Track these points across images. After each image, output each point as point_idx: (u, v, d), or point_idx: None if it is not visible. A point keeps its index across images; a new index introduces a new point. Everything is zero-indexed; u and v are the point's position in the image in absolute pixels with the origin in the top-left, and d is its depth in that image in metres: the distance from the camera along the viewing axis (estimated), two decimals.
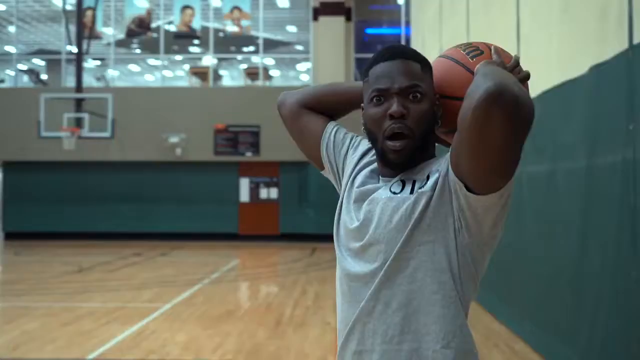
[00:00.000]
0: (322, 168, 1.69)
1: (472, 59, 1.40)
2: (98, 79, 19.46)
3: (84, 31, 14.80)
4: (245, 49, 19.87)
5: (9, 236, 16.93)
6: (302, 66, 20.36)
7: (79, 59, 14.24)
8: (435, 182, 1.34)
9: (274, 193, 17.35)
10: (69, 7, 16.43)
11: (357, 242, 1.42)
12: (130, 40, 19.27)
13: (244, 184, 17.33)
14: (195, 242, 16.07)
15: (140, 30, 17.57)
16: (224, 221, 16.83)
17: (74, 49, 14.85)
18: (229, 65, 21.30)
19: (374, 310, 1.37)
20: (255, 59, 19.36)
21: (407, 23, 17.45)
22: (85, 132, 13.91)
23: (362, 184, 1.49)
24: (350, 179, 1.53)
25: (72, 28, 15.17)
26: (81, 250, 14.72)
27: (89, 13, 15.73)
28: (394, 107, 1.37)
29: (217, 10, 18.22)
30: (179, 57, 20.56)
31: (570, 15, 4.97)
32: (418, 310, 1.33)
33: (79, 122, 13.99)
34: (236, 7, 17.25)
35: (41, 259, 13.19)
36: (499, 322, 6.86)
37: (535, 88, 5.11)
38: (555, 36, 5.29)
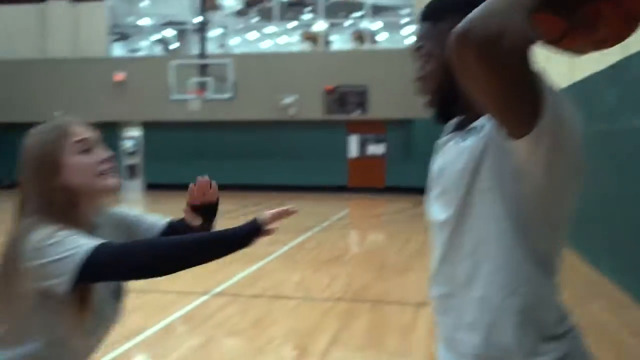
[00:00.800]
0: None
1: None
2: (221, 46, 19.93)
3: (206, 3, 15.15)
4: (353, 15, 19.65)
5: (150, 187, 17.95)
6: (406, 30, 19.89)
7: (202, 28, 14.63)
8: (490, 128, 1.20)
9: (380, 149, 17.25)
10: None
11: (435, 190, 1.35)
12: (248, 10, 19.54)
13: (353, 141, 17.33)
14: (308, 193, 16.32)
15: (257, 0, 17.75)
16: (334, 175, 16.99)
17: (198, 20, 15.26)
18: (339, 29, 21.15)
19: (449, 255, 1.28)
20: (363, 24, 19.09)
21: None
22: (210, 94, 14.36)
23: (447, 132, 1.40)
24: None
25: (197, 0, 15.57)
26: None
27: None
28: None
29: None
30: (291, 24, 20.62)
31: None
32: (483, 258, 1.22)
33: (203, 86, 14.46)
34: None
35: (175, 206, 13.86)
36: (598, 271, 6.50)
37: None
38: None
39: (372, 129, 17.15)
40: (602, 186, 6.62)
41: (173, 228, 1.73)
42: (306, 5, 18.61)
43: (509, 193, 1.19)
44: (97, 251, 1.35)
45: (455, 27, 1.02)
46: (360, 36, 18.83)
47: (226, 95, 14.45)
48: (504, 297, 1.21)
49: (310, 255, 7.58)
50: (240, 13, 19.61)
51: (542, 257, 1.22)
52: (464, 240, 1.25)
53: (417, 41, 1.36)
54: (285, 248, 7.95)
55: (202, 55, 14.42)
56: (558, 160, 1.13)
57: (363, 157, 17.33)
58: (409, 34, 19.80)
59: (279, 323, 4.76)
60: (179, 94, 14.40)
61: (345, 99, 16.76)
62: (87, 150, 1.50)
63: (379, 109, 16.58)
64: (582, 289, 5.93)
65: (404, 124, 16.65)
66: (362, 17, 19.04)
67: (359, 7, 18.85)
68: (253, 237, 1.41)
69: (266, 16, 19.71)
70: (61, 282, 1.34)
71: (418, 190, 15.98)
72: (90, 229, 1.51)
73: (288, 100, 16.63)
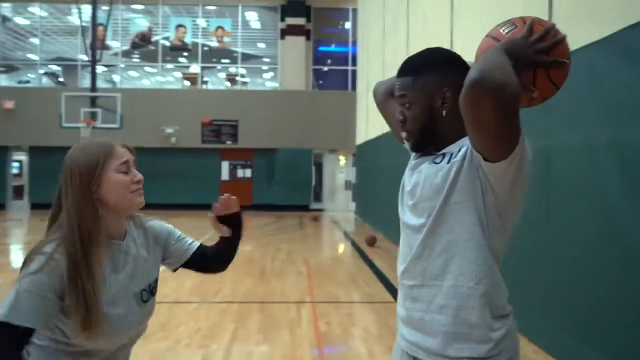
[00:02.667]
0: (403, 143, 1.63)
1: (507, 34, 1.28)
2: (107, 81, 18.70)
3: (97, 43, 14.16)
4: (224, 60, 19.42)
5: (34, 206, 16.21)
6: (267, 75, 20.12)
7: (93, 64, 13.64)
8: (465, 153, 1.30)
9: (248, 173, 17.14)
10: (84, 24, 15.69)
11: (410, 200, 1.40)
12: (132, 51, 18.55)
13: (225, 166, 17.05)
14: (187, 210, 15.70)
15: (142, 43, 16.94)
16: (209, 194, 16.41)
17: (85, 57, 14.20)
18: (211, 73, 20.81)
19: (422, 254, 1.35)
20: (233, 69, 18.96)
21: (354, 43, 17.38)
22: (99, 123, 13.38)
23: (419, 156, 1.46)
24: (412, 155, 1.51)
25: (87, 40, 14.49)
26: None
27: (100, 28, 15.06)
28: (396, 114, 1.43)
29: (204, 29, 17.73)
30: (170, 66, 19.87)
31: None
32: (455, 255, 1.30)
33: (93, 116, 13.45)
34: (220, 27, 16.84)
35: None
36: None
37: None
38: None
39: (241, 156, 17.01)
40: None
41: (203, 250, 1.64)
42: (185, 50, 18.06)
43: (479, 205, 1.28)
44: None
45: (470, 75, 1.11)
46: (232, 78, 18.67)
47: (114, 125, 13.55)
48: (472, 285, 1.29)
49: None
50: (125, 54, 18.53)
51: (497, 254, 1.32)
52: (438, 241, 1.32)
53: (400, 91, 1.39)
54: None
55: (93, 88, 13.41)
56: (520, 178, 1.25)
57: (233, 180, 17.10)
58: (269, 78, 20.05)
59: (182, 325, 4.49)
60: (69, 122, 13.25)
61: (219, 130, 16.49)
62: (126, 171, 1.40)
63: (247, 139, 16.51)
64: None
65: (268, 152, 16.71)
66: (231, 63, 18.89)
67: (229, 54, 18.71)
68: None
69: (148, 57, 18.85)
70: None
71: (279, 207, 16.30)
72: (120, 238, 1.43)
73: (170, 130, 15.99)
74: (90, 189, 1.34)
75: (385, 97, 1.65)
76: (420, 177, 1.37)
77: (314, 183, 17.37)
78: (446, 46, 6.36)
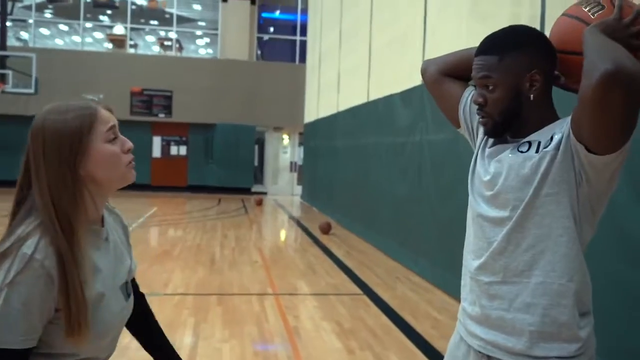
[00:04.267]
0: (458, 126, 1.64)
1: (594, 16, 1.30)
2: (17, 39, 17.54)
3: None
4: (152, 22, 18.71)
5: None
6: (201, 41, 19.62)
7: (3, 19, 12.73)
8: (559, 142, 1.30)
9: (183, 150, 16.71)
10: None
11: (488, 191, 1.40)
12: (46, 5, 17.48)
13: (157, 142, 16.53)
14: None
15: None
16: (138, 173, 15.81)
17: None
18: (137, 35, 20.00)
19: (506, 250, 1.35)
20: (164, 32, 18.31)
21: (303, 11, 17.21)
22: (9, 87, 12.56)
23: (494, 143, 1.45)
24: (485, 138, 1.50)
25: None
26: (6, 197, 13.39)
27: None
28: (474, 96, 1.45)
29: None
30: (89, 25, 18.90)
31: (481, 8, 5.05)
32: (545, 250, 1.31)
33: (2, 78, 12.60)
34: None
35: None
36: (394, 259, 7.07)
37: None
38: (465, 30, 5.33)
39: (175, 131, 16.54)
40: (396, 188, 7.22)
41: (138, 295, 1.55)
42: (110, 8, 17.22)
43: (572, 197, 1.30)
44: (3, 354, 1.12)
45: (602, 68, 1.13)
46: (162, 43, 18.03)
47: (28, 90, 12.75)
48: (563, 283, 1.31)
49: (138, 250, 7.02)
50: (39, 7, 17.43)
51: (585, 246, 1.35)
52: (525, 235, 1.33)
53: (481, 71, 1.38)
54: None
55: (3, 46, 12.54)
56: (619, 168, 1.29)
57: (166, 157, 16.62)
58: (203, 45, 19.56)
59: None
60: None
61: (151, 101, 15.92)
62: (114, 139, 1.23)
63: (183, 112, 16.06)
64: (385, 274, 6.41)
65: (206, 128, 16.35)
66: (161, 25, 18.23)
67: (159, 15, 18.03)
68: None
69: (64, 13, 17.81)
70: None
71: (217, 189, 16.03)
72: (98, 222, 1.28)
73: (92, 97, 15.24)
74: (71, 163, 1.18)
75: (438, 77, 1.63)
76: (502, 166, 1.37)
77: (255, 164, 17.21)
78: (419, 17, 6.42)
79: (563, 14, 1.40)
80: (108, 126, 1.23)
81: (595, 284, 1.39)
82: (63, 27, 18.89)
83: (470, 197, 1.47)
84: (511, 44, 1.36)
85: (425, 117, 6.22)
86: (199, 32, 19.48)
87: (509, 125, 1.39)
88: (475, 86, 1.44)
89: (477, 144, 1.52)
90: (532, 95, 1.35)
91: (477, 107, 1.42)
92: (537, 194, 1.31)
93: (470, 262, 1.44)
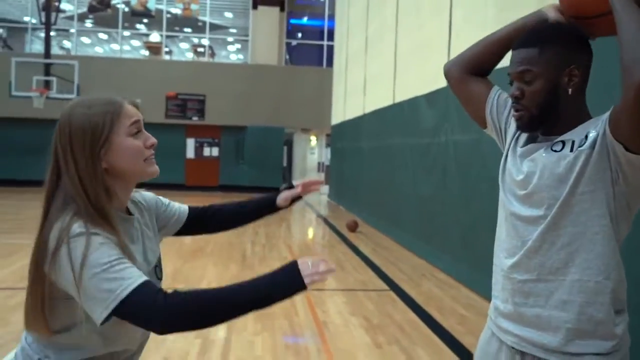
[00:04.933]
0: (485, 127, 1.60)
1: None
2: (61, 48, 17.95)
3: (49, 4, 13.52)
4: (186, 30, 18.94)
5: None
6: (232, 47, 19.78)
7: (47, 28, 13.04)
8: (594, 141, 1.26)
9: (215, 151, 16.88)
10: None
11: (522, 190, 1.36)
12: (87, 15, 17.85)
13: (190, 144, 16.73)
14: (150, 190, 15.35)
15: (100, 7, 16.30)
16: (174, 174, 16.21)
17: (33, 19, 13.56)
18: (172, 42, 20.28)
19: (541, 248, 1.32)
20: (197, 39, 18.52)
21: (330, 17, 17.22)
22: (53, 93, 12.85)
23: (526, 142, 1.42)
24: (515, 137, 1.47)
25: (40, 0, 13.82)
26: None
27: None
28: (511, 90, 1.38)
29: None
30: (127, 33, 19.23)
31: (505, 15, 4.97)
32: (581, 248, 1.28)
33: (47, 85, 12.90)
34: None
35: (16, 201, 12.20)
36: (419, 257, 7.02)
37: None
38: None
39: (208, 133, 16.72)
40: (421, 188, 7.17)
41: (195, 213, 1.58)
42: (147, 17, 17.49)
43: (608, 195, 1.26)
44: (141, 289, 1.10)
45: (634, 71, 1.10)
46: (196, 49, 18.25)
47: (71, 95, 13.01)
48: (600, 281, 1.27)
49: (175, 248, 7.13)
50: (80, 17, 17.81)
51: (620, 245, 1.31)
52: (561, 233, 1.29)
53: (521, 64, 1.34)
54: None
55: (47, 54, 12.84)
56: None
57: (199, 158, 16.81)
58: (234, 51, 19.72)
59: None
60: (20, 91, 12.66)
61: (185, 105, 16.12)
62: (137, 134, 1.24)
63: (215, 115, 16.22)
64: (410, 271, 6.36)
65: (237, 130, 16.49)
66: (194, 32, 18.44)
67: (193, 23, 18.25)
68: (297, 293, 1.17)
69: (104, 22, 18.17)
70: (97, 315, 1.10)
71: (247, 189, 16.14)
72: (125, 214, 1.29)
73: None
74: (95, 155, 1.18)
75: (463, 77, 1.58)
76: (536, 165, 1.33)
77: (284, 164, 17.28)
78: (445, 23, 6.35)
79: None
80: (132, 120, 1.23)
81: (629, 281, 1.35)
82: (103, 36, 19.26)
83: (501, 196, 1.43)
84: (551, 37, 1.33)
85: (450, 118, 6.15)
86: (230, 39, 19.67)
87: (545, 119, 1.35)
88: (511, 82, 1.39)
89: (508, 142, 1.48)
90: (570, 90, 1.32)
91: (512, 100, 1.37)
92: (573, 192, 1.27)
93: (503, 260, 1.40)
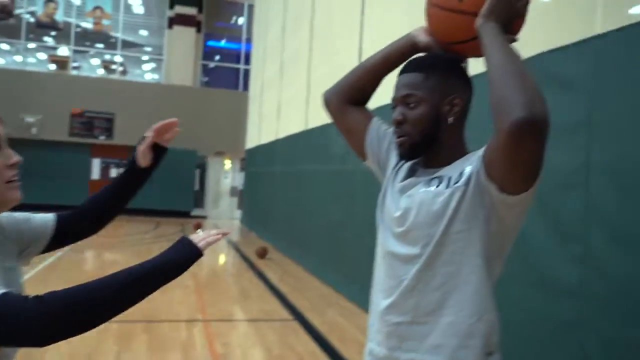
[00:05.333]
0: (365, 159, 1.53)
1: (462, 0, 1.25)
2: None
3: None
4: (98, 45, 18.18)
5: None
6: (147, 66, 19.21)
7: None
8: (469, 178, 1.22)
9: None
10: None
11: (399, 228, 1.30)
12: None
13: (96, 164, 15.90)
14: (50, 211, 14.37)
15: (1, 15, 15.27)
16: (75, 195, 15.25)
17: None
18: (82, 57, 19.38)
19: (415, 289, 1.26)
20: (109, 55, 17.81)
21: (248, 40, 17.19)
22: None
23: (405, 177, 1.36)
24: (395, 170, 1.41)
25: None
26: None
27: None
28: (393, 115, 1.34)
29: (79, 8, 16.45)
30: (32, 45, 18.15)
31: None
32: (454, 289, 1.23)
33: None
34: (98, 7, 15.72)
35: None
36: (327, 285, 6.96)
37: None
38: None
39: (115, 154, 15.97)
40: (330, 213, 7.16)
41: (63, 220, 1.37)
42: (54, 29, 16.59)
43: (482, 233, 1.21)
44: (2, 298, 0.93)
45: (515, 113, 1.04)
46: (108, 66, 17.52)
47: None
48: (473, 323, 1.22)
49: (66, 277, 6.62)
50: None
51: (494, 285, 1.27)
52: (435, 273, 1.23)
53: (406, 89, 1.30)
54: (35, 270, 6.81)
55: None
56: (528, 205, 1.22)
57: (105, 180, 15.98)
58: (149, 70, 19.17)
59: (51, 350, 4.00)
60: None
61: (92, 123, 15.34)
62: None
63: (124, 135, 15.55)
64: (317, 299, 6.28)
65: None
66: (107, 48, 17.73)
67: (106, 38, 17.55)
68: (192, 261, 1.17)
69: (6, 33, 17.03)
70: None
71: (157, 212, 15.52)
72: None
73: (30, 119, 14.54)
74: None
75: (342, 107, 1.51)
76: (413, 202, 1.28)
77: (196, 187, 16.82)
78: (355, 50, 6.45)
79: (432, 5, 1.32)
80: None
81: (507, 313, 1.31)
82: (4, 47, 18.05)
83: (380, 234, 1.37)
84: (437, 64, 1.31)
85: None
86: (145, 57, 19.08)
87: (426, 146, 1.31)
88: (393, 108, 1.34)
89: (387, 175, 1.43)
90: (451, 119, 1.29)
91: (394, 126, 1.32)
92: (448, 231, 1.22)
93: (380, 301, 1.33)
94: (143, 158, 1.42)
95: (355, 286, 6.09)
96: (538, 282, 3.04)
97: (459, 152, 1.31)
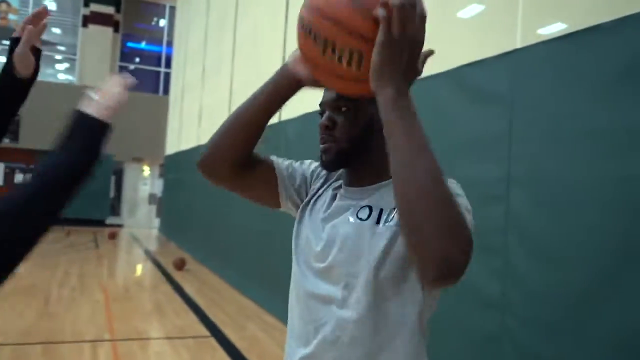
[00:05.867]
0: (280, 206, 1.27)
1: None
2: None
3: None
4: (4, 42, 16.93)
5: None
6: (60, 66, 18.13)
7: None
8: (396, 226, 1.05)
9: (28, 178, 15.06)
10: None
11: (320, 263, 1.11)
12: None
13: None
14: None
15: None
16: None
17: None
18: None
19: (339, 341, 1.06)
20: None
21: (169, 43, 16.62)
22: None
23: (328, 206, 1.17)
24: (314, 198, 1.21)
25: None
26: None
27: None
28: (321, 121, 1.15)
29: None
30: None
31: None
32: (383, 342, 1.04)
33: None
34: (4, 1, 14.63)
35: None
36: (247, 297, 6.72)
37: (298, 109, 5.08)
38: None
39: (21, 158, 14.88)
40: (254, 223, 6.95)
41: None
42: None
43: (414, 280, 1.04)
44: None
45: (429, 274, 0.83)
46: None
47: None
48: None
49: None
50: None
51: (425, 332, 1.10)
52: (361, 322, 1.04)
53: (336, 92, 1.11)
54: None
55: None
56: None
57: (9, 186, 14.84)
58: (63, 70, 18.09)
59: None
60: None
61: None
62: None
63: (31, 138, 14.52)
64: (236, 313, 6.03)
65: None
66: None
67: (9, 34, 16.39)
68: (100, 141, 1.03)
69: None
70: None
71: (70, 221, 14.58)
72: None
73: None
74: None
75: (236, 174, 1.18)
76: (337, 233, 1.10)
77: (112, 195, 16.00)
78: (278, 57, 6.31)
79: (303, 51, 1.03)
80: None
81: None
82: None
83: (294, 269, 1.16)
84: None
85: (280, 153, 6.05)
86: (58, 57, 17.97)
87: (354, 156, 1.13)
88: (321, 114, 1.17)
89: (305, 203, 1.23)
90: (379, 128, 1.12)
91: (321, 131, 1.13)
92: (376, 273, 1.04)
93: (295, 350, 1.13)
94: (24, 66, 1.13)
95: (279, 299, 5.90)
96: (462, 294, 3.00)
97: (387, 168, 1.15)
